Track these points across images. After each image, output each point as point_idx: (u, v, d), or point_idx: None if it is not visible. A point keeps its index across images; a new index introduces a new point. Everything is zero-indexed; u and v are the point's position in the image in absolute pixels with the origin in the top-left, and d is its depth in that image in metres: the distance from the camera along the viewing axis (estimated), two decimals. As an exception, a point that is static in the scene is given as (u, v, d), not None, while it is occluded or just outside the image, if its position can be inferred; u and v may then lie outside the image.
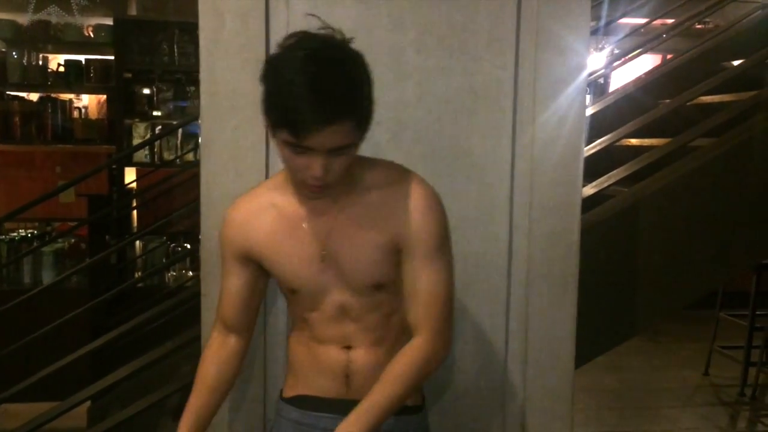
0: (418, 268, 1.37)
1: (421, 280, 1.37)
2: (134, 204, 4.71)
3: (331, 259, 1.38)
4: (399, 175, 1.40)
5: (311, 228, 1.38)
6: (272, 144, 1.73)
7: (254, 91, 1.69)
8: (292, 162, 1.27)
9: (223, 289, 1.49)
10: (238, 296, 1.47)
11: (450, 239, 1.43)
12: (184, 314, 3.03)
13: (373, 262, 1.38)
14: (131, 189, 4.72)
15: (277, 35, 1.70)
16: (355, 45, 1.71)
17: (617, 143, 2.83)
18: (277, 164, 1.72)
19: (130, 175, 4.74)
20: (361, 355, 1.44)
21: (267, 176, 1.73)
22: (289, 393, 1.52)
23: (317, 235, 1.38)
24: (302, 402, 1.49)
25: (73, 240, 4.61)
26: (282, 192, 1.41)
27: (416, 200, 1.37)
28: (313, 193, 1.32)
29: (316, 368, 1.47)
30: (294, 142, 1.22)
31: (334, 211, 1.38)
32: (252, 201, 1.45)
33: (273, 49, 1.69)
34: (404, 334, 1.49)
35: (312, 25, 1.69)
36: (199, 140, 1.73)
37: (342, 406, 1.41)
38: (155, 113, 4.71)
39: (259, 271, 1.46)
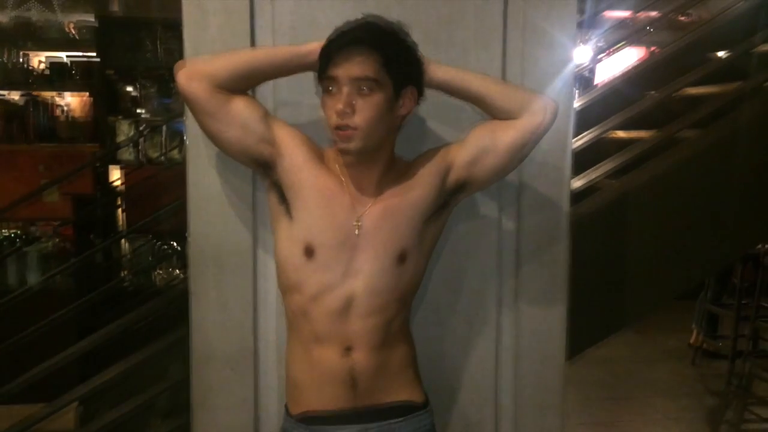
0: (472, 137, 1.49)
1: (481, 128, 1.49)
2: (120, 203, 4.66)
3: (365, 229, 1.41)
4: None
5: (352, 199, 1.42)
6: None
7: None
8: (325, 107, 1.38)
9: (257, 103, 1.49)
10: (259, 116, 1.44)
11: None
12: (172, 314, 3.01)
13: (406, 228, 1.43)
14: (116, 188, 4.68)
15: (262, 32, 1.69)
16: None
17: (605, 136, 2.84)
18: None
19: (115, 174, 4.70)
20: (363, 358, 1.43)
21: (254, 173, 1.71)
22: (295, 410, 1.48)
23: (356, 206, 1.42)
24: (311, 419, 1.46)
25: (58, 240, 4.57)
26: (330, 162, 1.46)
27: (435, 148, 1.53)
28: (342, 140, 1.37)
29: (319, 378, 1.44)
30: (324, 76, 1.36)
31: (376, 191, 1.44)
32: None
33: (258, 45, 1.69)
34: (404, 340, 1.51)
35: (297, 22, 1.69)
36: (185, 138, 1.70)
37: (351, 416, 1.43)
38: (139, 111, 4.66)
39: (270, 158, 1.44)
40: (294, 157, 1.44)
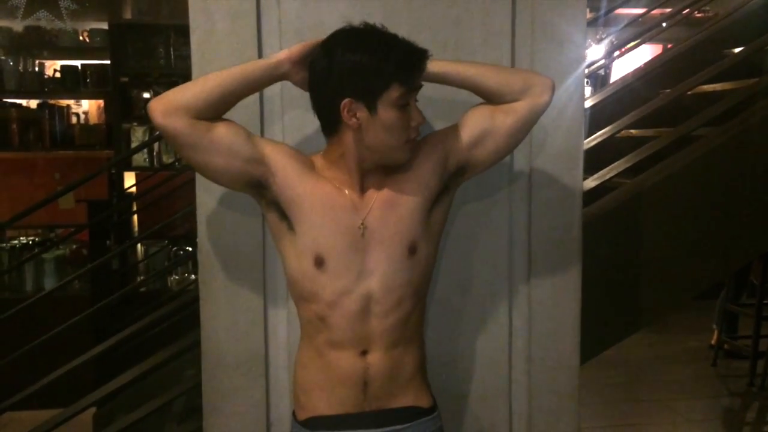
0: (470, 119, 1.49)
1: (479, 111, 1.49)
2: (134, 208, 4.69)
3: (371, 230, 1.40)
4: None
5: (353, 203, 1.41)
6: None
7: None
8: (398, 124, 1.36)
9: (235, 126, 1.43)
10: (237, 137, 1.40)
11: None
12: (186, 318, 3.02)
13: (412, 220, 1.42)
14: (131, 194, 4.71)
15: (269, 35, 1.69)
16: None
17: (618, 134, 2.81)
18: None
19: (129, 179, 4.73)
20: (378, 359, 1.43)
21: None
22: (302, 415, 1.48)
23: (358, 210, 1.41)
24: (317, 423, 1.45)
25: (74, 246, 4.61)
26: (322, 170, 1.44)
27: (431, 133, 1.53)
28: (409, 150, 1.40)
29: (331, 380, 1.44)
30: (404, 92, 1.34)
31: (374, 189, 1.42)
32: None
33: (265, 49, 1.69)
34: (416, 343, 1.50)
35: (304, 25, 1.69)
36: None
37: (356, 421, 1.42)
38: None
39: (262, 177, 1.42)
40: (287, 171, 1.41)
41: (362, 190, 1.42)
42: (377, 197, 1.42)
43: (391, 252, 1.41)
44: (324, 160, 1.45)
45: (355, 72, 1.32)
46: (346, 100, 1.33)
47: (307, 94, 1.69)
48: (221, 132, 1.39)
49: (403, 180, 1.44)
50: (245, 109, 1.68)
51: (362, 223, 1.40)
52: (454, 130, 1.49)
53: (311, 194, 1.41)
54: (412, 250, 1.42)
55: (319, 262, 1.39)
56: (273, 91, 1.69)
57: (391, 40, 1.36)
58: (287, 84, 1.69)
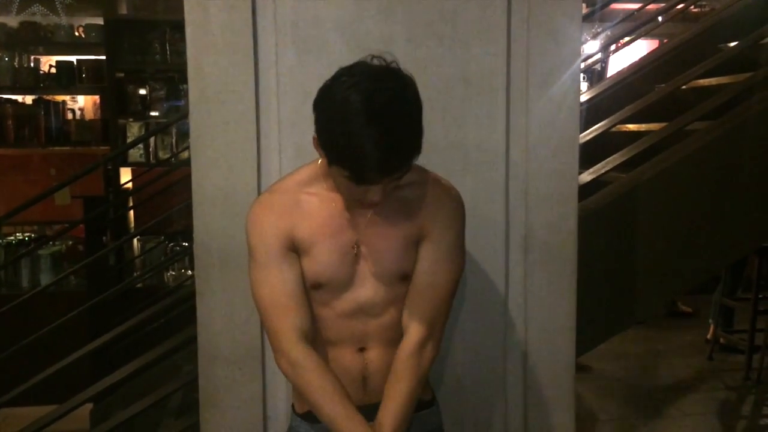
0: (435, 261, 1.40)
1: (436, 275, 1.40)
2: (130, 204, 4.68)
3: (363, 251, 1.38)
4: (428, 174, 1.44)
5: (347, 220, 1.38)
6: (263, 139, 1.71)
7: (243, 86, 1.68)
8: (347, 189, 1.29)
9: (278, 293, 1.36)
10: (301, 291, 1.38)
11: (464, 246, 1.47)
12: (183, 313, 3.02)
13: (403, 252, 1.40)
14: (127, 190, 4.70)
15: (264, 29, 1.69)
16: (344, 36, 1.70)
17: (614, 129, 2.81)
18: (270, 160, 1.71)
19: (125, 175, 4.72)
20: (377, 356, 1.43)
21: (259, 171, 1.71)
22: (301, 408, 1.48)
23: (352, 227, 1.39)
24: (315, 416, 1.43)
25: (70, 242, 4.60)
26: (314, 186, 1.40)
27: (446, 200, 1.43)
28: (365, 207, 1.35)
29: None
30: (353, 183, 1.24)
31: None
32: (286, 189, 1.41)
33: (260, 43, 1.69)
34: None
35: (300, 18, 1.68)
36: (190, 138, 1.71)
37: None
38: (150, 113, 4.68)
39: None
40: (298, 233, 1.38)
41: (353, 204, 1.38)
42: (371, 215, 1.39)
43: (384, 273, 1.40)
44: (320, 167, 1.40)
45: (325, 128, 1.23)
46: (314, 136, 1.28)
47: (302, 88, 1.70)
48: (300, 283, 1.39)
49: (397, 209, 1.39)
50: (241, 102, 1.69)
51: (356, 243, 1.39)
52: (429, 244, 1.41)
53: (311, 227, 1.38)
54: (403, 279, 1.42)
55: (317, 287, 1.40)
56: (269, 84, 1.70)
57: (378, 133, 1.17)
58: (282, 77, 1.70)
